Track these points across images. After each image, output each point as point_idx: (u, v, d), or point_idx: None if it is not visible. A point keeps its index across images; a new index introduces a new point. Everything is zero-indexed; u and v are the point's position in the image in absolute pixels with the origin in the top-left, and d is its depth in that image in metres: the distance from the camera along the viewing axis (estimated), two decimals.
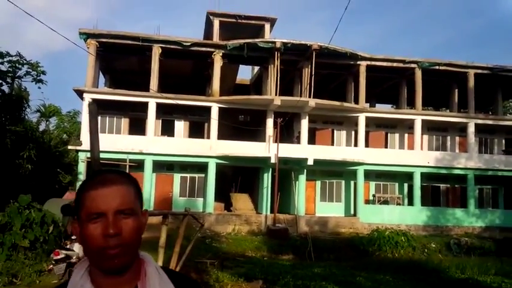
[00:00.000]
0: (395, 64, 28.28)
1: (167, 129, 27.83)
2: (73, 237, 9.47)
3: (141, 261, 1.25)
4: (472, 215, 27.54)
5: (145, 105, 25.45)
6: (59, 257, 8.03)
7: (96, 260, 1.16)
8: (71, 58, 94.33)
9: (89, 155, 23.62)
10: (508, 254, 19.70)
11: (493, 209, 29.16)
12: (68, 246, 8.73)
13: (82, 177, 23.39)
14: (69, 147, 25.66)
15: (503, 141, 31.14)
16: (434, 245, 22.17)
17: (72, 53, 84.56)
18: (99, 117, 26.47)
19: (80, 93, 25.23)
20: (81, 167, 23.69)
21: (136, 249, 1.21)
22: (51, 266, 8.50)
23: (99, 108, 25.98)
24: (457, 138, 30.49)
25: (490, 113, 34.30)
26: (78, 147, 24.07)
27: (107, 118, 27.21)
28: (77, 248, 8.51)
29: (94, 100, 24.88)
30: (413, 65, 28.20)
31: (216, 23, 27.68)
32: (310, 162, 24.84)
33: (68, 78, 71.43)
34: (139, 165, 24.11)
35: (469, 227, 26.86)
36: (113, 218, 1.14)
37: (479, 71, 28.79)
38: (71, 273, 7.94)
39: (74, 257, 8.25)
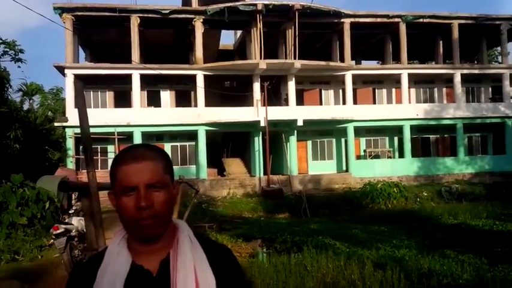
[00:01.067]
0: (379, 19, 28.05)
1: (153, 100, 27.56)
2: (70, 212, 9.45)
3: (176, 229, 1.32)
4: (462, 162, 28.10)
5: (129, 77, 25.06)
6: (58, 231, 8.03)
7: (130, 229, 1.25)
8: (48, 34, 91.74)
9: (76, 130, 23.53)
10: (498, 197, 20.18)
11: (482, 155, 29.70)
12: (66, 221, 8.73)
13: (71, 153, 23.29)
14: (56, 124, 25.35)
15: (490, 89, 31.46)
16: (426, 194, 22.59)
17: (48, 28, 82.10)
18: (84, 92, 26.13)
19: (61, 70, 24.72)
20: (70, 143, 23.51)
21: (167, 220, 1.27)
22: (52, 240, 8.53)
23: (83, 83, 25.59)
24: (444, 90, 30.72)
25: (476, 62, 34.43)
26: (64, 124, 23.78)
27: (91, 92, 26.82)
28: (76, 221, 8.53)
29: (76, 75, 24.48)
30: (397, 19, 28.00)
31: None
32: (300, 123, 24.88)
33: (47, 55, 69.67)
34: (128, 138, 23.97)
35: (459, 174, 27.47)
36: (144, 192, 1.21)
37: (463, 21, 28.73)
38: (72, 246, 7.97)
39: (73, 231, 8.26)
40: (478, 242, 10.76)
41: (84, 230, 8.51)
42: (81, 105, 2.53)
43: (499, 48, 35.46)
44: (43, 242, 10.58)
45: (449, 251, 9.47)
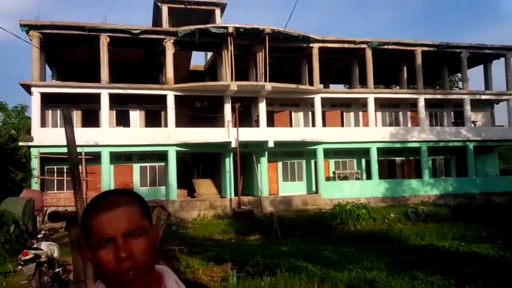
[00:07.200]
0: (346, 45, 28.85)
1: (122, 120, 27.07)
2: (39, 236, 9.08)
3: (160, 276, 1.22)
4: (427, 184, 28.86)
5: (97, 96, 24.66)
6: (27, 257, 7.64)
7: (112, 285, 1.14)
8: (9, 50, 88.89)
9: (42, 150, 22.86)
10: (462, 218, 20.79)
11: (446, 178, 30.70)
12: (35, 245, 8.36)
13: (36, 173, 22.55)
14: (21, 143, 24.49)
15: (452, 113, 32.67)
16: (393, 215, 23.02)
17: (8, 44, 79.71)
18: (50, 111, 25.52)
19: (27, 88, 24.08)
20: (35, 163, 22.79)
21: (151, 268, 1.17)
22: (20, 266, 8.13)
23: (49, 102, 25.01)
24: (409, 113, 31.71)
25: (438, 87, 35.79)
26: (29, 143, 23.06)
27: (58, 112, 26.14)
28: (45, 246, 8.18)
29: (43, 94, 23.91)
30: (363, 45, 28.87)
31: (165, 9, 27.01)
32: (270, 144, 25.04)
33: (9, 71, 67.46)
34: (95, 158, 23.46)
35: (425, 196, 28.19)
36: (122, 241, 1.10)
37: (426, 48, 29.91)
38: (41, 272, 7.65)
39: (43, 256, 7.91)
40: (445, 263, 11.04)
41: (54, 255, 8.25)
42: (70, 133, 2.51)
43: (459, 74, 37.02)
44: (8, 267, 10.08)
45: (418, 273, 9.66)
